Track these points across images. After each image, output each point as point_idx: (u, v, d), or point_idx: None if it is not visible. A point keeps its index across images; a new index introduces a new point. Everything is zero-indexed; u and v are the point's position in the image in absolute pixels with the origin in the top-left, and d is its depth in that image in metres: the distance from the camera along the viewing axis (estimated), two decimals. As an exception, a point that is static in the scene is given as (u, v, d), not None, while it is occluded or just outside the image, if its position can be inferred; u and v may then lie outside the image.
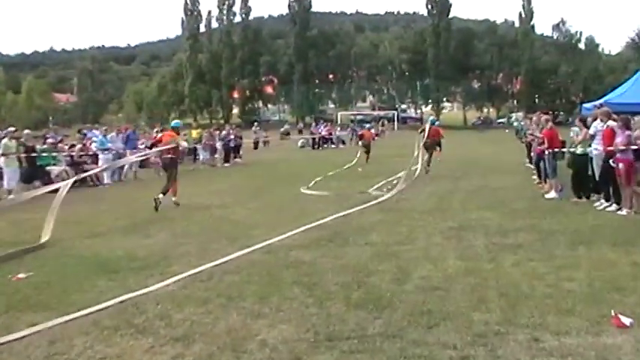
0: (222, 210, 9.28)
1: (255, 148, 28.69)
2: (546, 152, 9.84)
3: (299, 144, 30.92)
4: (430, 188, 11.38)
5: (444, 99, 64.03)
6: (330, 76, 67.93)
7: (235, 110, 69.63)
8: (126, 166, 15.10)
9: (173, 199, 9.71)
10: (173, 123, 11.05)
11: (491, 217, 7.83)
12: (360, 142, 20.57)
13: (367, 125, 24.43)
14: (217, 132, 20.94)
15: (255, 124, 30.71)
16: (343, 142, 32.19)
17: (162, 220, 8.42)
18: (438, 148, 15.02)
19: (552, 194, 9.60)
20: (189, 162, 18.84)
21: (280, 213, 8.83)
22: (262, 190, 11.99)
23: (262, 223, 7.88)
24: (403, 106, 67.63)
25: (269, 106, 72.73)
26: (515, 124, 34.84)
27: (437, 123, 16.16)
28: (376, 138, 23.44)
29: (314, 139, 29.64)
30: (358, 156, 18.90)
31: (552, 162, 9.78)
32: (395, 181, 12.08)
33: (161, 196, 9.32)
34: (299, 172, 15.91)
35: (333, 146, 30.53)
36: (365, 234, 6.95)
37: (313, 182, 12.68)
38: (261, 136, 30.17)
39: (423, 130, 14.78)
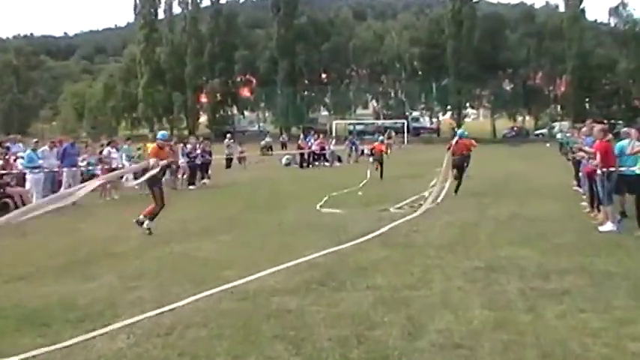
0: (186, 244, 9.29)
1: (228, 166, 28.76)
2: (598, 172, 9.81)
3: (283, 161, 31.08)
4: (449, 217, 11.47)
5: (467, 104, 64.75)
6: (323, 75, 68.80)
7: (203, 118, 70.01)
8: (62, 188, 15.07)
9: (140, 217, 10.37)
10: (159, 135, 11.55)
11: (529, 255, 7.90)
12: (370, 159, 22.51)
13: (380, 138, 25.83)
14: (180, 146, 20.97)
15: (229, 136, 30.88)
16: (339, 159, 32.42)
17: (109, 258, 8.42)
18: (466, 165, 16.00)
19: (608, 226, 9.63)
20: (143, 184, 18.85)
21: (259, 248, 8.86)
22: (236, 219, 12.01)
23: (236, 261, 7.90)
24: (415, 114, 68.42)
25: (246, 113, 73.32)
26: (558, 136, 35.34)
27: (466, 134, 17.08)
28: (389, 152, 23.79)
29: (302, 155, 29.83)
30: (369, 175, 20.33)
31: (607, 184, 9.69)
32: (413, 204, 12.57)
33: (147, 222, 10.24)
34: (283, 197, 16.03)
35: (326, 164, 30.76)
36: (366, 275, 6.98)
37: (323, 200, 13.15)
38: (235, 151, 30.29)
39: (451, 146, 15.76)
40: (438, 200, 13.62)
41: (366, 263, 7.65)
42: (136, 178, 11.05)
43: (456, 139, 16.16)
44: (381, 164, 21.17)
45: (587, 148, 10.84)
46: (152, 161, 10.63)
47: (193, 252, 8.71)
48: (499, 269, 7.14)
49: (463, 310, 5.57)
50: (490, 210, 12.45)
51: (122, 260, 8.26)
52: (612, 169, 9.68)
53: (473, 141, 16.71)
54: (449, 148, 15.91)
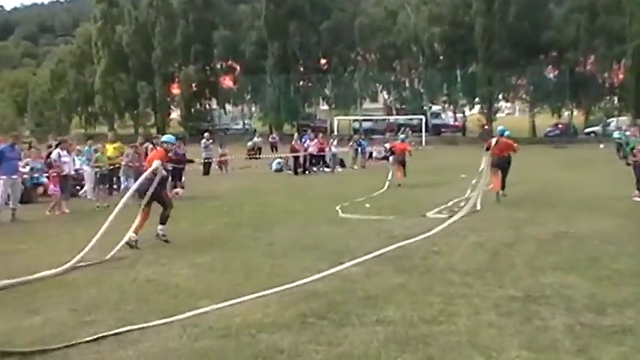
0: (154, 268, 9.31)
1: (207, 172, 28.82)
2: None
3: (274, 166, 31.18)
4: (476, 236, 11.51)
5: (500, 97, 65.12)
6: (322, 61, 69.05)
7: (175, 114, 70.21)
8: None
9: (131, 235, 10.96)
10: (165, 138, 12.58)
11: (578, 284, 7.92)
12: (390, 159, 24.30)
13: (402, 136, 28.81)
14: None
15: (207, 135, 30.93)
16: (342, 164, 32.49)
17: (58, 286, 8.40)
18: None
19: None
20: (103, 193, 18.86)
21: (244, 273, 8.86)
22: (216, 238, 12.02)
23: (216, 289, 7.91)
24: (435, 108, 68.68)
25: (228, 107, 73.50)
26: (615, 134, 35.36)
27: (507, 133, 18.03)
28: (411, 151, 24.82)
29: (297, 158, 29.90)
30: (390, 178, 22.01)
31: None
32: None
33: (161, 227, 11.45)
34: (273, 210, 16.09)
35: (326, 170, 30.92)
36: (376, 306, 7.00)
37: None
38: (215, 153, 30.35)
39: (490, 145, 16.94)
40: (478, 207, 14.92)
41: (375, 291, 7.65)
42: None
43: (496, 137, 17.20)
44: (404, 166, 23.09)
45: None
46: (156, 163, 11.32)
47: (163, 278, 8.71)
48: (541, 300, 7.15)
49: (496, 352, 5.56)
50: (528, 227, 12.47)
51: (74, 289, 8.25)
52: None
53: (515, 144, 17.63)
54: (488, 149, 16.99)
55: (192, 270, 9.19)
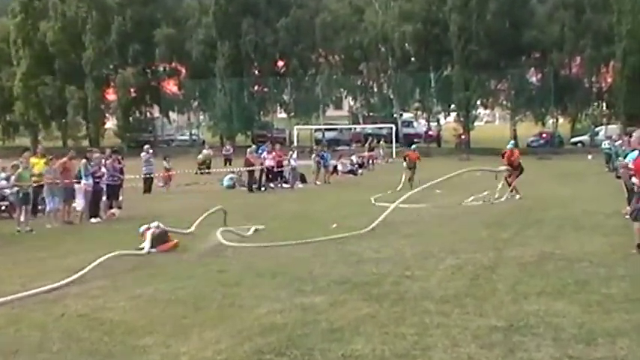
0: (86, 302, 9.17)
1: (148, 190, 28.56)
2: None
3: (225, 182, 31.03)
4: (454, 258, 11.60)
5: (478, 102, 65.99)
6: (280, 63, 69.11)
7: (111, 123, 69.42)
8: None
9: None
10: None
11: (566, 311, 8.00)
12: (404, 164, 30.47)
13: (413, 146, 33.86)
14: (82, 162, 20.67)
15: (147, 147, 30.69)
16: (303, 179, 32.56)
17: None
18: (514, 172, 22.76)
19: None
20: (26, 215, 18.56)
21: (192, 305, 8.80)
22: (158, 265, 11.91)
23: (159, 324, 7.83)
24: (407, 116, 69.27)
25: (172, 115, 73.14)
26: (605, 144, 36.12)
27: (510, 144, 24.48)
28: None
29: (252, 173, 29.81)
30: (403, 180, 28.33)
31: None
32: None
33: None
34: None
35: (285, 186, 30.93)
36: (342, 340, 6.98)
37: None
38: (157, 168, 30.11)
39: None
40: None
41: (341, 323, 7.64)
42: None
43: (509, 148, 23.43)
44: (414, 172, 29.34)
45: (630, 164, 11.25)
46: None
47: (96, 312, 8.58)
48: (525, 330, 7.20)
49: (477, 388, 5.61)
50: (511, 248, 12.61)
51: (-7, 325, 8.09)
52: None
53: (516, 153, 23.28)
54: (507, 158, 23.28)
55: (131, 302, 9.07)
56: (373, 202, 22.10)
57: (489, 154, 51.63)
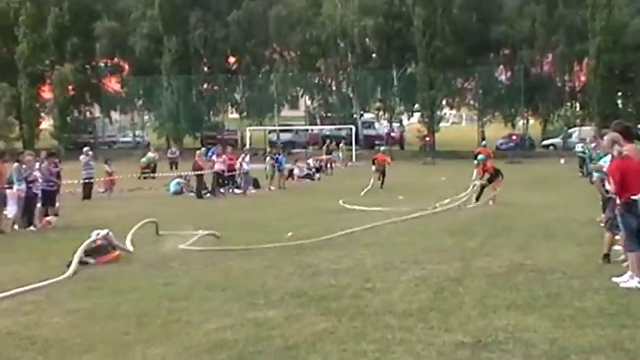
0: (16, 318, 9.01)
1: (87, 196, 28.26)
2: (617, 202, 10.35)
3: (172, 187, 30.86)
4: (418, 269, 11.64)
5: (443, 102, 66.47)
6: (231, 60, 69.00)
7: (47, 123, 68.58)
8: None
9: None
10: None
11: (537, 326, 8.06)
12: (373, 167, 31.56)
13: (382, 148, 36.86)
14: (14, 166, 20.37)
15: (87, 149, 30.36)
16: (256, 184, 32.54)
17: None
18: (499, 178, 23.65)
19: (632, 281, 9.95)
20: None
21: (135, 320, 8.70)
22: (98, 278, 11.77)
23: (98, 341, 7.74)
24: (367, 117, 69.63)
25: (114, 115, 72.50)
26: (578, 147, 36.64)
27: (481, 157, 25.05)
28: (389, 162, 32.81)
29: (201, 178, 29.69)
30: (372, 182, 30.05)
31: (629, 220, 10.13)
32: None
33: None
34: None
35: (237, 191, 30.94)
36: (298, 357, 6.98)
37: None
38: (98, 172, 29.80)
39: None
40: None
41: (296, 339, 7.62)
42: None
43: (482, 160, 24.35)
44: (384, 175, 31.12)
45: (604, 167, 11.35)
46: None
47: (28, 330, 8.42)
48: (493, 346, 7.24)
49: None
50: (479, 258, 12.69)
51: None
52: (635, 197, 10.05)
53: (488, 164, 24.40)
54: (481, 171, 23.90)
55: (68, 318, 8.93)
56: (342, 204, 22.57)
57: (456, 158, 52.24)
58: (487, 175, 23.64)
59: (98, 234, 13.58)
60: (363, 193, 28.38)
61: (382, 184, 30.67)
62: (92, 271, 12.42)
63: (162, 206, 25.29)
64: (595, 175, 12.08)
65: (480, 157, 25.48)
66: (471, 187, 24.00)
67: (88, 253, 13.00)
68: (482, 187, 23.58)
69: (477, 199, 23.20)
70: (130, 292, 10.45)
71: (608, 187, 11.21)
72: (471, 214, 19.84)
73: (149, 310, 9.25)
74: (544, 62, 65.01)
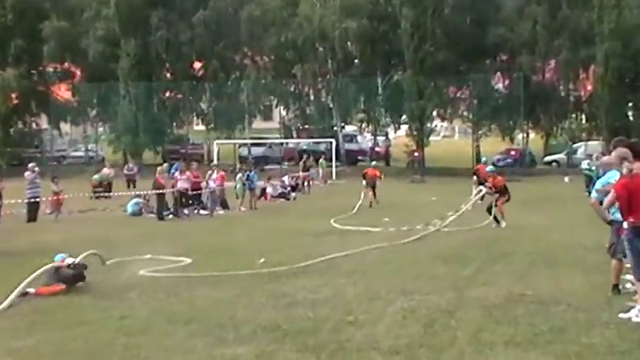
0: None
1: (33, 218, 28.07)
2: (624, 226, 10.33)
3: (129, 208, 30.71)
4: (405, 300, 11.66)
5: (434, 113, 66.06)
6: (197, 65, 68.85)
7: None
8: None
9: None
10: None
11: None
12: (364, 182, 32.95)
13: (373, 163, 38.41)
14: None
15: (32, 165, 30.16)
16: (224, 205, 32.57)
17: None
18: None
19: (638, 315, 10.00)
20: None
21: (84, 359, 8.64)
22: (44, 311, 11.67)
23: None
24: (349, 129, 69.66)
25: (64, 127, 72.07)
26: (584, 164, 36.71)
27: (490, 168, 26.22)
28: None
29: (162, 197, 29.59)
30: (361, 201, 30.69)
31: (636, 246, 10.16)
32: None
33: None
34: (129, 269, 15.75)
35: (203, 212, 30.86)
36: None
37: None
38: (45, 191, 29.61)
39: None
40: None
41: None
42: None
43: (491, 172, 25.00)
44: (374, 189, 32.66)
45: (607, 186, 11.33)
46: None
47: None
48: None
49: None
50: (474, 288, 12.73)
51: None
52: None
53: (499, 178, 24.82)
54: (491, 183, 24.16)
55: (9, 358, 8.89)
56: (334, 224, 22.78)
57: (448, 175, 52.47)
58: (492, 191, 24.05)
59: (64, 259, 13.51)
60: (355, 210, 28.94)
61: (375, 196, 32.54)
62: (37, 302, 12.31)
63: (118, 229, 25.18)
64: (593, 195, 12.00)
65: (488, 168, 26.38)
66: (474, 194, 24.85)
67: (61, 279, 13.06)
68: (483, 196, 24.52)
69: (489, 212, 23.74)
70: (80, 327, 10.39)
71: (613, 210, 11.07)
72: (465, 238, 19.88)
73: (102, 347, 9.19)
74: (546, 69, 64.90)
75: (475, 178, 29.27)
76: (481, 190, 24.85)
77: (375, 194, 32.63)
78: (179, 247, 19.26)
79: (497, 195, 23.77)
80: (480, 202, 25.71)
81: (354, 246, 18.27)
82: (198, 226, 26.62)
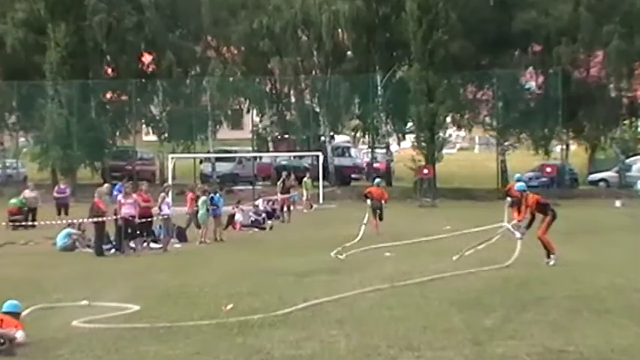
0: None
1: None
2: None
3: (59, 241, 30.64)
4: (414, 357, 11.75)
5: (448, 119, 66.50)
6: (147, 58, 68.92)
7: None
8: None
9: None
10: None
11: None
12: (368, 201, 34.02)
13: (377, 180, 38.78)
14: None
15: None
16: (181, 236, 32.73)
17: None
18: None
19: None
20: None
21: None
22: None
23: None
24: (340, 140, 69.67)
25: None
26: (640, 184, 37.08)
27: (520, 186, 25.52)
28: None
29: (101, 226, 29.53)
30: (364, 226, 31.46)
31: None
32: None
33: None
34: (58, 321, 15.73)
35: (155, 246, 30.94)
36: None
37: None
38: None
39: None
40: None
41: None
42: None
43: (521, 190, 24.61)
44: (380, 214, 33.74)
45: None
46: None
47: None
48: None
49: None
50: (498, 342, 12.78)
51: None
52: None
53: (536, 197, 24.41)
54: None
55: None
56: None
57: (465, 198, 52.53)
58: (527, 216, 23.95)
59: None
60: (359, 238, 29.50)
61: (381, 218, 33.85)
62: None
63: (45, 268, 25.10)
64: None
65: (518, 185, 26.12)
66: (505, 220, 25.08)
67: None
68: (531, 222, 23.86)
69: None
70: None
71: None
72: (487, 278, 19.84)
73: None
74: (591, 63, 65.04)
75: (509, 200, 29.08)
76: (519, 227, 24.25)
77: (380, 219, 33.45)
78: (123, 291, 19.26)
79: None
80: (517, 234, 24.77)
81: (347, 288, 18.33)
82: (148, 263, 26.63)
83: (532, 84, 67.66)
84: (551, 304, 16.19)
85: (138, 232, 30.47)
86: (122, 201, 30.21)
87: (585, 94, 61.87)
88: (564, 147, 65.09)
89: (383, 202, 34.26)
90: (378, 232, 31.91)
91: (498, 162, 63.37)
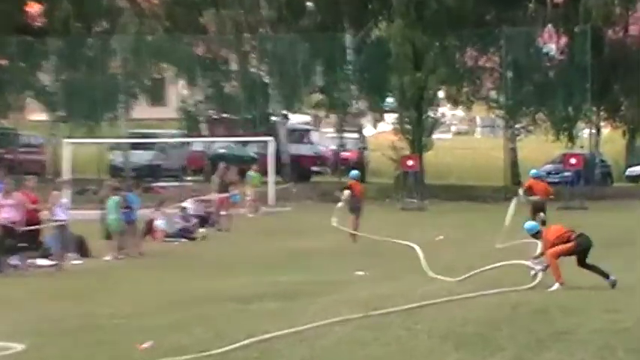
0: None
1: None
2: None
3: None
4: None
5: (439, 94, 67.14)
6: (33, 8, 68.86)
7: None
8: None
9: None
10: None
11: None
12: (343, 195, 35.18)
13: (354, 172, 39.79)
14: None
15: None
16: (82, 249, 32.52)
17: None
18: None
19: None
20: None
21: None
22: None
23: None
24: (298, 120, 70.08)
25: None
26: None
27: (533, 172, 28.91)
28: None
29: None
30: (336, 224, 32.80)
31: None
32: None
33: None
34: None
35: (44, 263, 30.77)
36: None
37: None
38: None
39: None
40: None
41: None
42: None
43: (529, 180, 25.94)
44: (358, 213, 34.88)
45: None
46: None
47: None
48: None
49: None
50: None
51: None
52: None
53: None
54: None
55: None
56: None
57: (462, 198, 52.83)
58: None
59: None
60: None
61: (355, 232, 34.38)
62: None
63: None
64: None
65: (532, 172, 28.81)
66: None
67: None
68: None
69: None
70: None
71: None
72: (492, 305, 19.84)
73: None
74: (630, 19, 65.67)
75: (521, 195, 29.55)
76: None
77: (358, 222, 34.69)
78: (1, 325, 19.22)
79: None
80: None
81: (306, 318, 18.34)
82: (37, 286, 26.60)
83: (552, 47, 67.91)
84: (576, 341, 16.22)
85: (22, 245, 30.39)
86: (1, 202, 30.13)
87: (622, 61, 62.48)
88: (594, 131, 65.70)
89: (362, 198, 35.20)
90: (355, 240, 33.32)
91: (506, 150, 63.89)
